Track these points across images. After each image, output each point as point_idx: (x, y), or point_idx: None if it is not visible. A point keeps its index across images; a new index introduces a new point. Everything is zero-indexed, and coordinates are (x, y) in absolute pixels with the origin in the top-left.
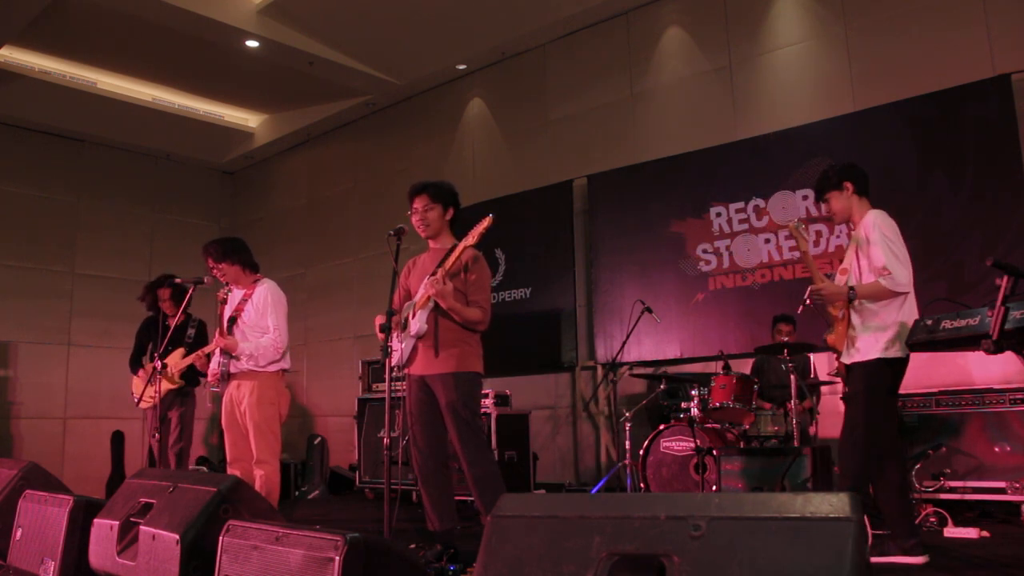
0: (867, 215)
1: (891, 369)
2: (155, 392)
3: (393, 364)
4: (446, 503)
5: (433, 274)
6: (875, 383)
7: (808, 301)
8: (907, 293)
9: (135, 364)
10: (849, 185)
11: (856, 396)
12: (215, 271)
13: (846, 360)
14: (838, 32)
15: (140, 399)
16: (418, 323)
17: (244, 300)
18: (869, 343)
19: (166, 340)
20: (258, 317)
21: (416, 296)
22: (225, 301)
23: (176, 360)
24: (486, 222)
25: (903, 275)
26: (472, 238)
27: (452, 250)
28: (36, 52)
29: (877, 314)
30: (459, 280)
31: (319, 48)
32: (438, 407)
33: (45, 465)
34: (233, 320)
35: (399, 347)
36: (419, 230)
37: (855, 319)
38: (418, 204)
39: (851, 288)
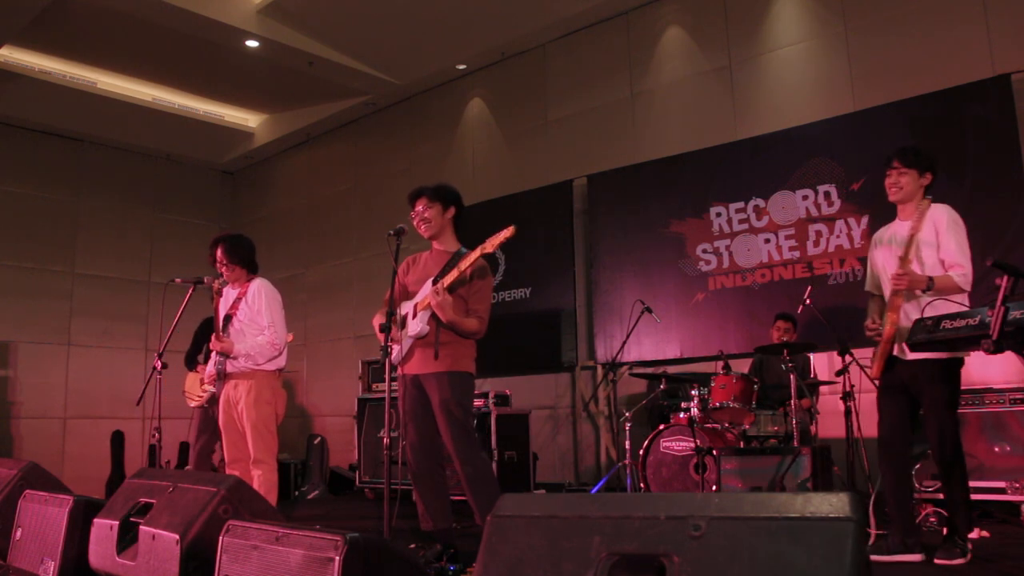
0: (940, 208)
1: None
2: (202, 391)
3: (393, 361)
4: (441, 503)
5: (436, 281)
6: (956, 382)
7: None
8: (967, 292)
9: (190, 362)
10: (930, 176)
11: (939, 401)
12: (221, 267)
13: (907, 353)
14: (838, 32)
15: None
16: (419, 324)
17: (238, 299)
18: None
19: (167, 340)
20: (253, 315)
21: (417, 297)
22: (219, 293)
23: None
24: (508, 232)
25: (971, 274)
26: (490, 247)
27: (459, 256)
28: (36, 52)
29: (945, 311)
30: (462, 288)
31: (319, 48)
32: (430, 406)
33: (45, 465)
34: (228, 319)
35: (397, 344)
36: (421, 231)
37: (917, 315)
38: (418, 206)
39: (930, 278)
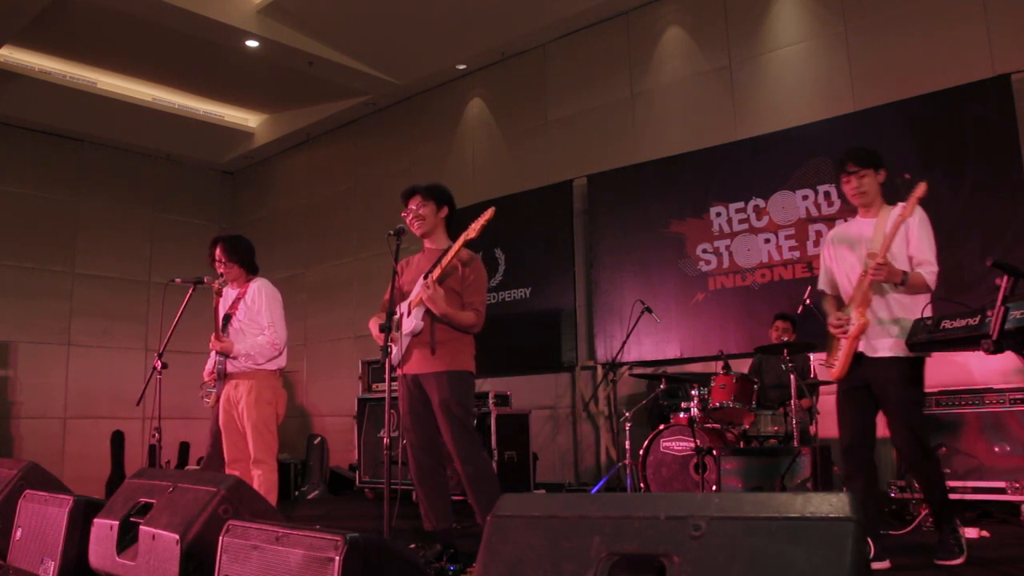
0: (913, 206)
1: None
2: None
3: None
4: (442, 503)
5: (427, 275)
6: (923, 382)
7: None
8: (932, 291)
9: None
10: (884, 172)
11: (910, 399)
12: (219, 265)
13: (876, 349)
14: (838, 32)
15: (141, 396)
16: (413, 320)
17: (238, 299)
18: None
19: (166, 340)
20: (253, 315)
21: (410, 296)
22: (220, 293)
23: None
24: (488, 214)
25: (938, 273)
26: (473, 231)
27: (447, 251)
28: (36, 52)
29: (914, 308)
30: (455, 279)
31: (319, 48)
32: (430, 406)
33: (45, 465)
34: (227, 319)
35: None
36: (414, 229)
37: (884, 312)
38: (412, 205)
39: (905, 273)
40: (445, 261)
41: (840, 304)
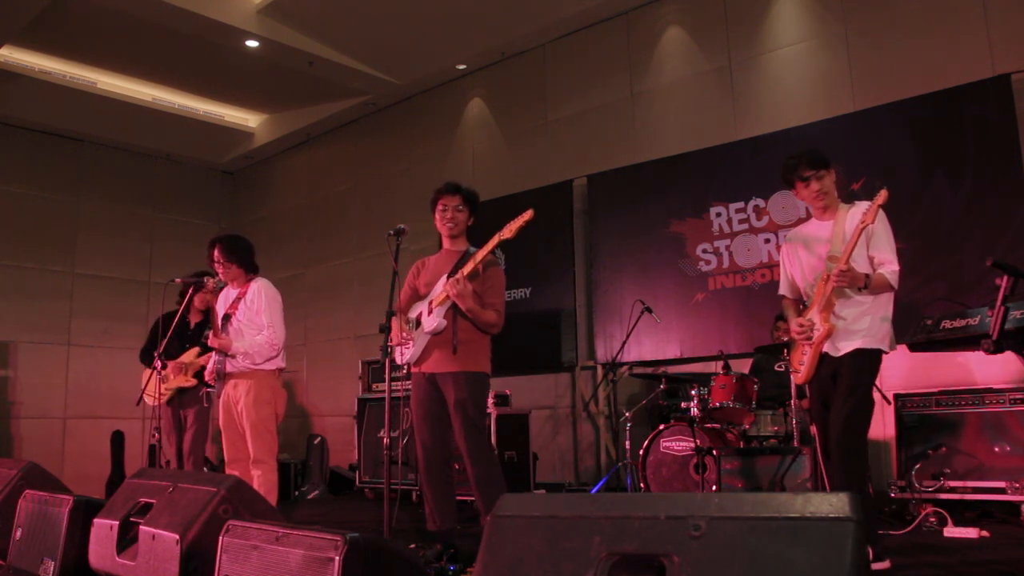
0: (867, 204)
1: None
2: (161, 390)
3: (404, 361)
4: (448, 503)
5: (452, 274)
6: (875, 375)
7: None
8: (895, 290)
9: (146, 357)
10: (834, 170)
11: (859, 387)
12: (218, 265)
13: (840, 350)
14: (838, 32)
15: (141, 397)
16: (435, 319)
17: (238, 299)
18: (875, 333)
19: (166, 339)
20: (252, 315)
21: (432, 294)
22: (216, 292)
23: (190, 359)
24: (527, 215)
25: (899, 271)
26: (508, 232)
27: (468, 255)
28: (36, 52)
29: (877, 307)
30: (476, 281)
31: (319, 48)
32: (445, 405)
33: (45, 465)
34: (227, 318)
35: (409, 345)
36: (445, 227)
37: (848, 311)
38: (451, 202)
39: (867, 275)
40: (479, 256)
41: (799, 307)
